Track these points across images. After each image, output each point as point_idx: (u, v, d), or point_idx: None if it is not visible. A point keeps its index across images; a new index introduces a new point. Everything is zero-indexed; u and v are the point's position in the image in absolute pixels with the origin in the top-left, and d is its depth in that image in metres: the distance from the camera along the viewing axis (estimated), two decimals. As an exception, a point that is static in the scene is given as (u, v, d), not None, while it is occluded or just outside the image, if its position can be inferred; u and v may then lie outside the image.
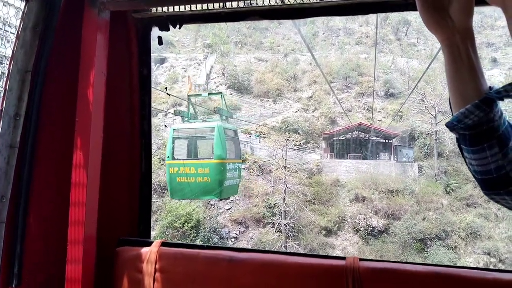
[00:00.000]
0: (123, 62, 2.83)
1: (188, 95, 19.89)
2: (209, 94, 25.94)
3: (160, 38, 2.93)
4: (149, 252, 2.43)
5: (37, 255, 2.42)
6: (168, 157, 16.34)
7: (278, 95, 55.21)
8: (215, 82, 58.19)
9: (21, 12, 2.32)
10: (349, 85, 56.25)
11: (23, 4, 2.31)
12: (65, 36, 2.53)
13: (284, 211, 35.62)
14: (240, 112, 51.71)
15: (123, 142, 2.85)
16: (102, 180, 2.52)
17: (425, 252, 34.16)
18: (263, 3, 2.63)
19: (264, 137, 46.63)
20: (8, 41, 2.70)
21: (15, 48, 2.31)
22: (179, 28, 2.82)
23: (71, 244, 2.34)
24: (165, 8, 2.74)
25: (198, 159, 16.16)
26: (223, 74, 58.28)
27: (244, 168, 40.91)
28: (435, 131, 45.19)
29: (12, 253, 2.29)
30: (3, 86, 2.29)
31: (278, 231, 35.17)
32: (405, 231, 35.33)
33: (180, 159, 15.96)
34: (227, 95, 54.92)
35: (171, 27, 2.80)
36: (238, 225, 35.77)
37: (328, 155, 47.21)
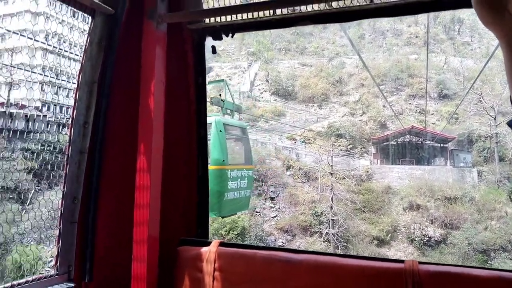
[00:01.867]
0: (179, 71, 2.97)
1: None
2: (209, 82, 20.75)
3: (214, 48, 3.04)
4: (208, 252, 2.52)
5: (106, 253, 2.58)
6: None
7: (324, 100, 54.60)
8: (259, 89, 58.71)
9: (87, 28, 2.53)
10: (398, 87, 54.48)
11: (90, 20, 2.52)
12: (127, 48, 2.70)
13: (332, 219, 34.89)
14: (284, 118, 51.68)
15: (181, 148, 2.97)
16: (162, 183, 2.65)
17: (488, 264, 31.91)
18: (312, 8, 2.65)
19: (309, 143, 46.24)
20: (75, 60, 2.92)
21: (83, 62, 2.52)
22: (232, 36, 2.91)
23: (136, 243, 2.49)
24: (217, 18, 2.84)
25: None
26: (267, 80, 58.69)
27: (289, 175, 40.74)
28: (495, 133, 42.44)
29: (84, 250, 2.48)
30: (74, 97, 2.49)
31: (326, 241, 34.49)
32: (465, 241, 33.26)
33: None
34: (271, 102, 55.18)
35: (224, 36, 2.90)
36: (285, 234, 35.54)
37: (378, 161, 45.81)
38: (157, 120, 2.61)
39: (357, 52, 14.63)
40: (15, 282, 2.24)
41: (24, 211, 29.85)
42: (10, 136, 31.75)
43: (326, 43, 66.33)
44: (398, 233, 36.07)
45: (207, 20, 2.90)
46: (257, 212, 35.94)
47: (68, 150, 2.45)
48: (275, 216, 36.60)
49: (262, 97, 56.68)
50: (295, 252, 2.40)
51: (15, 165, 31.32)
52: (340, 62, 59.78)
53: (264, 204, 37.14)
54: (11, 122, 32.71)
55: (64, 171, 2.44)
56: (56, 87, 37.06)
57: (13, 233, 27.82)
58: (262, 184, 37.76)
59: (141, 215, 2.50)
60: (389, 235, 35.55)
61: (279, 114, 52.22)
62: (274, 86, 57.03)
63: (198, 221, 2.91)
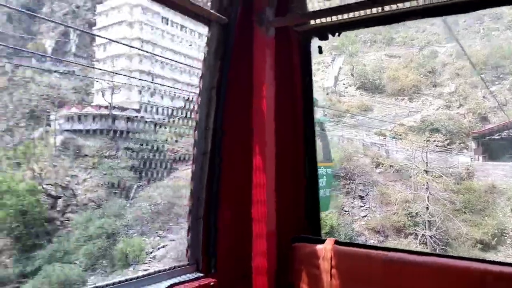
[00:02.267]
0: (286, 72, 3.06)
1: None
2: None
3: (320, 48, 3.08)
4: (323, 250, 2.57)
5: (229, 247, 2.78)
6: None
7: (415, 92, 51.34)
8: (343, 84, 57.25)
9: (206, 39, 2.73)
10: (500, 75, 49.05)
11: (206, 30, 2.72)
12: (239, 54, 2.87)
13: (428, 220, 32.61)
14: (371, 112, 49.73)
15: (289, 147, 3.06)
16: (276, 181, 2.77)
17: None
18: (424, 2, 2.54)
19: (400, 139, 43.87)
20: (195, 74, 3.15)
21: (203, 70, 2.73)
22: (338, 35, 2.92)
23: (256, 238, 2.64)
24: (323, 19, 2.87)
25: None
26: (351, 75, 57.02)
27: (379, 173, 39.09)
28: None
29: (209, 244, 2.70)
30: (196, 102, 2.72)
31: (422, 243, 32.35)
32: None
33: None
34: (357, 96, 53.47)
35: (330, 35, 2.92)
36: (376, 234, 34.18)
37: (480, 157, 41.74)
38: (269, 122, 2.73)
39: (456, 39, 13.37)
40: (151, 270, 2.52)
41: (128, 205, 33.10)
42: (114, 136, 35.17)
43: (416, 32, 62.24)
44: (506, 237, 32.56)
45: (312, 22, 2.95)
46: (345, 211, 35.14)
47: (193, 152, 2.68)
48: (365, 216, 35.45)
49: (347, 92, 55.20)
50: (414, 253, 2.33)
51: (119, 162, 34.92)
52: (432, 51, 55.70)
53: (352, 203, 36.21)
54: (114, 123, 36.29)
55: (191, 172, 2.67)
56: (152, 90, 40.52)
57: (119, 225, 31.00)
58: (350, 182, 36.83)
59: (259, 211, 2.64)
60: (495, 239, 32.24)
61: (365, 109, 50.40)
62: (359, 80, 55.21)
63: (308, 219, 2.98)
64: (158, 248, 30.68)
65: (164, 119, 37.06)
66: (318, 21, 2.91)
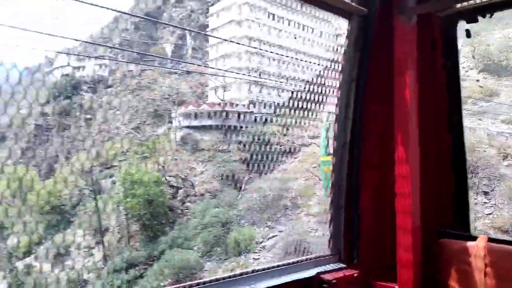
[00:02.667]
0: (428, 59, 2.93)
1: None
2: None
3: (468, 31, 2.88)
4: (475, 247, 2.43)
5: (371, 237, 2.80)
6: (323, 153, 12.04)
7: (558, 71, 44.03)
8: (463, 67, 51.66)
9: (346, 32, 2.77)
10: None
11: (346, 23, 2.76)
12: (378, 45, 2.84)
13: None
14: (498, 98, 44.11)
15: (432, 135, 2.93)
16: (420, 173, 2.69)
17: None
18: None
19: (537, 127, 38.10)
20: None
21: (342, 62, 2.78)
22: (490, 17, 2.71)
23: (400, 231, 2.60)
24: (471, 1, 2.68)
25: None
26: (473, 57, 51.20)
27: (507, 166, 34.62)
28: None
29: (351, 234, 2.75)
30: (336, 95, 2.78)
31: None
32: None
33: None
34: (480, 80, 47.81)
35: (480, 17, 2.72)
36: (504, 234, 30.41)
37: None
38: (412, 111, 2.65)
39: None
40: (295, 259, 2.66)
41: (239, 196, 34.76)
42: (226, 131, 37.09)
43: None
44: None
45: (458, 5, 2.77)
46: (468, 207, 31.80)
47: (333, 144, 2.76)
48: (490, 214, 31.78)
49: (468, 76, 49.77)
50: None
51: (231, 156, 36.88)
52: None
53: (476, 199, 32.76)
54: (226, 119, 38.31)
55: (332, 162, 2.75)
56: (260, 86, 41.86)
57: (232, 215, 32.72)
58: (473, 176, 33.32)
59: (403, 204, 2.60)
60: None
61: (490, 94, 44.91)
62: (482, 62, 49.32)
63: (456, 213, 2.83)
64: (268, 239, 31.45)
65: (271, 113, 38.01)
66: (465, 3, 2.73)
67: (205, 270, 29.16)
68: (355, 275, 2.64)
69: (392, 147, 2.67)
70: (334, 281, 2.51)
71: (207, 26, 44.14)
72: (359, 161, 2.78)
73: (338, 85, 2.78)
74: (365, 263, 2.73)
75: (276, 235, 31.72)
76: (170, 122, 40.45)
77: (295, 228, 30.38)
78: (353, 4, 2.66)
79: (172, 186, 37.81)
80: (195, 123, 38.67)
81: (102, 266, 32.93)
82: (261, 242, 31.63)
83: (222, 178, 35.31)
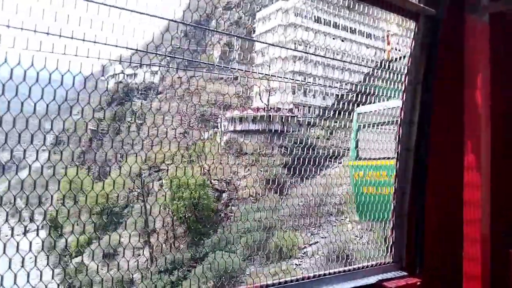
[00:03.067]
0: (500, 60, 2.78)
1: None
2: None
3: None
4: None
5: (435, 245, 2.68)
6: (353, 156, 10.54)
7: None
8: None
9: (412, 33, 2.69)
10: None
11: (413, 25, 2.68)
12: (446, 45, 2.73)
13: None
14: None
15: (504, 141, 2.77)
16: (490, 181, 2.54)
17: None
18: None
19: None
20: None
21: (408, 64, 2.70)
22: None
23: (467, 240, 2.47)
24: None
25: (390, 158, 6.05)
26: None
27: None
28: None
29: (414, 242, 2.65)
30: (401, 98, 2.70)
31: None
32: None
33: (367, 159, 9.88)
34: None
35: None
36: None
37: None
38: (483, 115, 2.53)
39: None
40: (355, 266, 2.60)
41: (282, 200, 34.54)
42: (270, 135, 37.07)
43: None
44: None
45: None
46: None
47: (397, 148, 2.68)
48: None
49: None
50: None
51: (274, 160, 36.82)
52: None
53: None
54: (270, 123, 38.34)
55: (395, 168, 2.67)
56: (305, 89, 41.60)
57: (274, 220, 32.55)
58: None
59: (471, 212, 2.47)
60: None
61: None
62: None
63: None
64: (310, 245, 30.97)
65: (316, 118, 37.59)
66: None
67: (247, 274, 29.16)
68: (417, 283, 2.55)
69: (461, 153, 2.55)
70: None
71: (254, 31, 44.64)
72: (425, 166, 2.67)
73: (403, 88, 2.71)
74: (428, 272, 2.62)
75: (318, 241, 31.19)
76: (216, 126, 41.19)
77: (339, 234, 29.72)
78: (420, 5, 2.59)
79: (216, 190, 38.34)
80: (239, 127, 39.09)
81: (149, 266, 33.93)
82: (303, 248, 31.20)
83: (265, 183, 35.31)
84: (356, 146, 10.04)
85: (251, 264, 30.86)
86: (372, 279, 2.49)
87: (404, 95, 2.69)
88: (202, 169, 35.61)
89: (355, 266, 2.58)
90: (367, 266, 2.57)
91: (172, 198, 34.09)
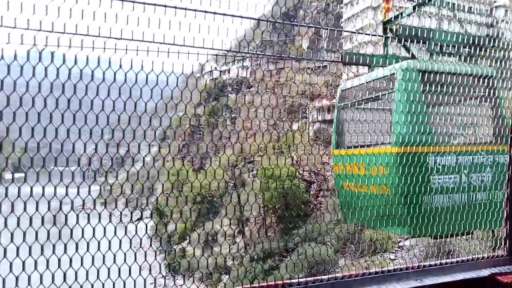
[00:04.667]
0: None
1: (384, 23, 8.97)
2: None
3: None
4: None
5: None
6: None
7: None
8: None
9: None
10: None
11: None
12: None
13: None
14: None
15: None
16: None
17: None
18: None
19: None
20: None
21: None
22: None
23: None
24: None
25: (371, 145, 7.39)
26: None
27: None
28: None
29: None
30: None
31: None
32: None
33: (349, 148, 7.81)
34: None
35: None
36: None
37: None
38: None
39: None
40: (463, 258, 2.47)
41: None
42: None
43: None
44: None
45: None
46: None
47: (510, 152, 2.48)
48: None
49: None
50: None
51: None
52: None
53: None
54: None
55: (508, 173, 2.48)
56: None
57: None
58: None
59: None
60: None
61: None
62: None
63: None
64: (406, 238, 29.68)
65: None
66: None
67: (339, 266, 28.87)
68: None
69: None
70: None
71: (341, 16, 43.47)
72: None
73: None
74: None
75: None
76: (305, 117, 41.15)
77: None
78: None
79: (305, 181, 38.37)
80: (328, 117, 38.51)
81: (243, 254, 35.43)
82: (398, 242, 29.91)
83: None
84: (337, 132, 8.24)
85: (343, 257, 30.42)
86: (483, 272, 2.36)
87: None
88: (291, 160, 35.89)
89: (463, 258, 2.47)
90: (477, 259, 2.44)
91: (263, 188, 35.02)
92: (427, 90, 5.99)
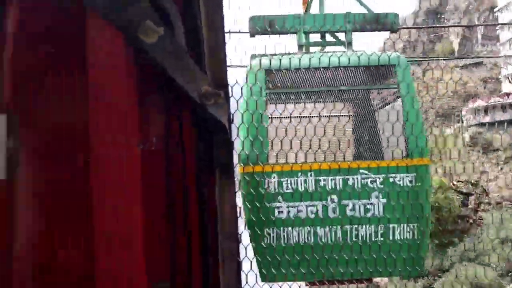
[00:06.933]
0: None
1: None
2: None
3: None
4: None
5: None
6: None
7: None
8: None
9: None
10: None
11: None
12: None
13: None
14: None
15: None
16: None
17: None
18: None
19: None
20: None
21: None
22: None
23: None
24: None
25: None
26: None
27: None
28: None
29: None
30: None
31: None
32: None
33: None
34: None
35: None
36: None
37: None
38: None
39: None
40: None
41: None
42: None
43: None
44: None
45: None
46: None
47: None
48: None
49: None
50: None
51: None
52: None
53: None
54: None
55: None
56: None
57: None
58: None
59: None
60: None
61: None
62: None
63: None
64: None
65: None
66: None
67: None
68: None
69: None
70: None
71: (496, 5, 38.58)
72: None
73: None
74: None
75: None
76: (459, 121, 37.71)
77: None
78: None
79: (460, 193, 35.28)
80: (486, 119, 34.45)
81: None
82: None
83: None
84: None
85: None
86: None
87: None
88: (443, 169, 33.41)
89: None
90: None
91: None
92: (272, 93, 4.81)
